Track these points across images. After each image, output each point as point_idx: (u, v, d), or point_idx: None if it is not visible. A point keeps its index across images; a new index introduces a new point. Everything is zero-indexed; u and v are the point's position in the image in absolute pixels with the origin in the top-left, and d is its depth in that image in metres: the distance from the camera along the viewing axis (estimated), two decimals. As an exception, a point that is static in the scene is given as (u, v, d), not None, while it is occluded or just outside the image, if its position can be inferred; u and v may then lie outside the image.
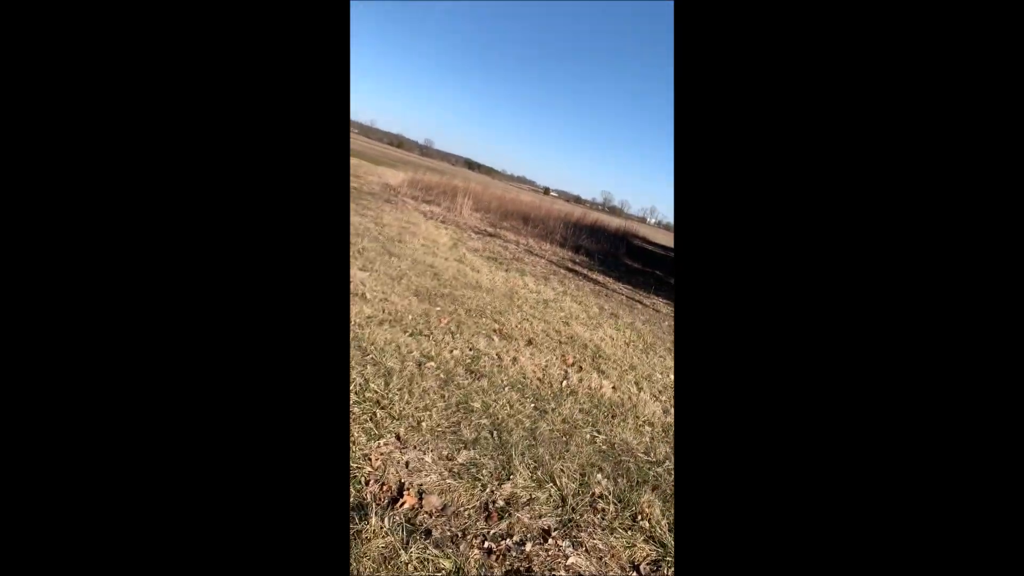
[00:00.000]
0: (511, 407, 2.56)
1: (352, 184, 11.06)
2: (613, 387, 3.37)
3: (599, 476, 2.14)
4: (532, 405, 2.68)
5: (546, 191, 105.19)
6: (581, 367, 3.58)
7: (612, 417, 2.86)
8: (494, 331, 3.82)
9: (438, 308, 3.97)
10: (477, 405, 2.46)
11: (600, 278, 7.88)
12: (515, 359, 3.34)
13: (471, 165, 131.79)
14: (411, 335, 3.21)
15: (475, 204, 12.73)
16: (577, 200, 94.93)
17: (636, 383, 3.57)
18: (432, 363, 2.82)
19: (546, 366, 3.39)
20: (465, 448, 2.07)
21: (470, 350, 3.27)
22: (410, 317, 3.57)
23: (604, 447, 2.44)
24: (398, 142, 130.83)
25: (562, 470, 2.09)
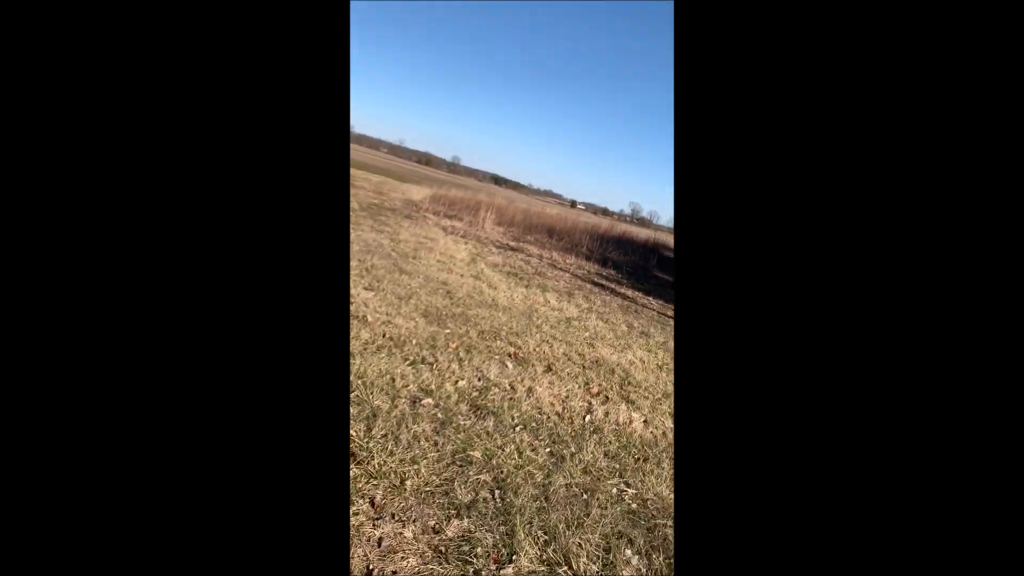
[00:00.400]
0: (520, 455, 2.13)
1: (374, 201, 10.92)
2: (644, 421, 2.91)
3: (628, 552, 1.69)
4: (547, 450, 2.25)
5: (573, 204, 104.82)
6: (607, 397, 3.13)
7: (644, 461, 2.40)
8: (509, 356, 3.42)
9: (447, 331, 3.59)
10: (478, 455, 2.04)
11: (629, 292, 7.38)
12: (531, 390, 2.92)
13: (498, 181, 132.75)
14: (411, 364, 2.83)
15: (498, 218, 12.42)
16: (605, 212, 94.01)
17: (671, 415, 3.09)
18: (430, 399, 2.43)
19: (567, 397, 2.96)
20: (457, 515, 1.66)
21: (479, 380, 2.87)
22: (414, 342, 3.20)
23: (634, 506, 1.98)
24: (426, 160, 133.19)
25: (580, 545, 1.65)
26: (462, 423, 2.27)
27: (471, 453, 2.04)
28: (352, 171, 17.63)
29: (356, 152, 47.72)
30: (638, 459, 2.42)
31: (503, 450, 2.12)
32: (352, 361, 2.65)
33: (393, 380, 2.54)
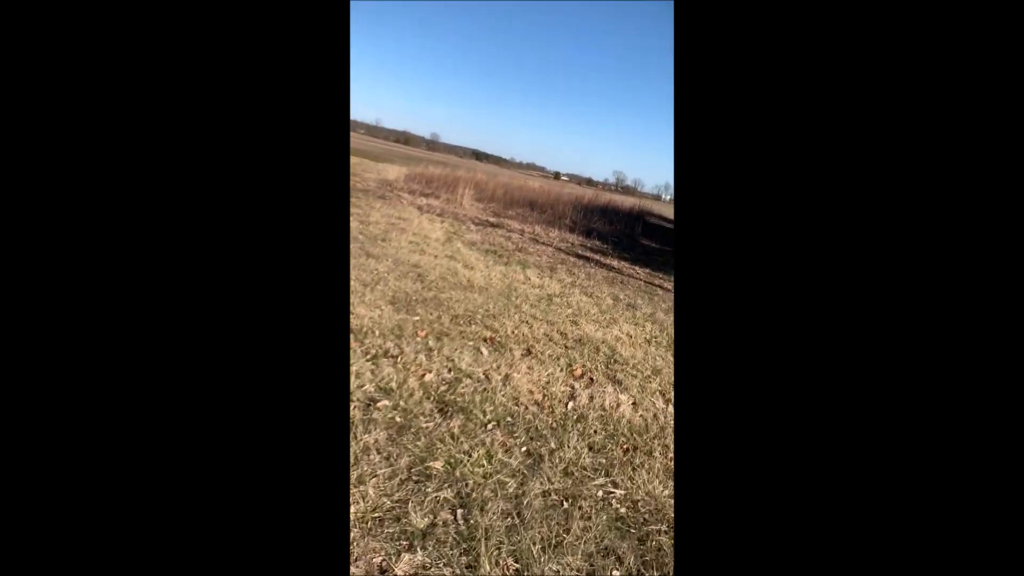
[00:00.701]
0: (490, 460, 1.86)
1: (345, 183, 10.44)
2: (634, 403, 2.66)
3: (616, 574, 1.43)
4: (523, 449, 1.98)
5: (556, 176, 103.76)
6: (592, 379, 2.88)
7: (633, 452, 2.16)
8: (484, 340, 3.13)
9: (416, 317, 3.29)
10: (439, 465, 1.76)
11: (615, 263, 7.10)
12: (507, 378, 2.64)
13: (479, 156, 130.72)
14: (371, 359, 2.53)
15: (477, 194, 11.99)
16: (589, 182, 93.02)
17: (662, 393, 2.85)
18: (387, 401, 2.13)
19: (547, 383, 2.69)
20: (410, 547, 1.38)
21: (448, 371, 2.58)
22: (377, 333, 2.90)
23: (623, 510, 1.73)
24: (404, 139, 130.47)
25: (558, 573, 1.39)
26: (424, 426, 1.99)
27: (431, 464, 1.76)
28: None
29: (331, 135, 46.19)
30: (627, 449, 2.17)
31: (470, 456, 1.85)
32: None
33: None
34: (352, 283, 3.72)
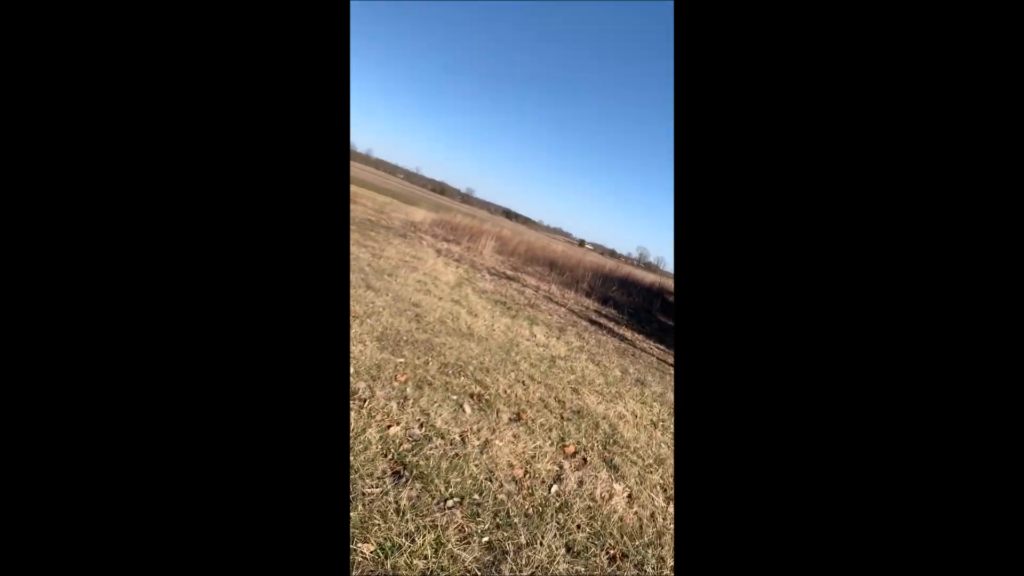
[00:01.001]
0: (437, 551, 1.47)
1: (370, 218, 10.47)
2: (629, 496, 2.25)
3: None
4: (484, 539, 1.59)
5: (581, 243, 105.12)
6: (585, 459, 2.48)
7: (622, 560, 1.74)
8: (471, 396, 2.78)
9: (401, 359, 2.97)
10: (367, 550, 1.37)
11: (628, 334, 6.72)
12: (487, 444, 2.28)
13: (509, 215, 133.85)
14: (334, 399, 2.20)
15: (499, 247, 11.90)
16: (612, 254, 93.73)
17: (664, 488, 2.43)
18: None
19: (533, 457, 2.31)
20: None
21: (420, 427, 2.23)
22: (351, 370, 2.58)
23: (597, 648, 1.31)
24: (440, 189, 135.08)
25: None
26: (367, 491, 1.62)
27: (359, 546, 1.38)
28: (358, 189, 17.37)
29: (372, 176, 48.16)
30: (613, 557, 1.76)
31: (413, 542, 1.47)
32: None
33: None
34: (342, 313, 3.45)
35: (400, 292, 4.61)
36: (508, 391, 3.04)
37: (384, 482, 1.71)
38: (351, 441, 1.89)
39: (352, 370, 2.59)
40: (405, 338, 3.39)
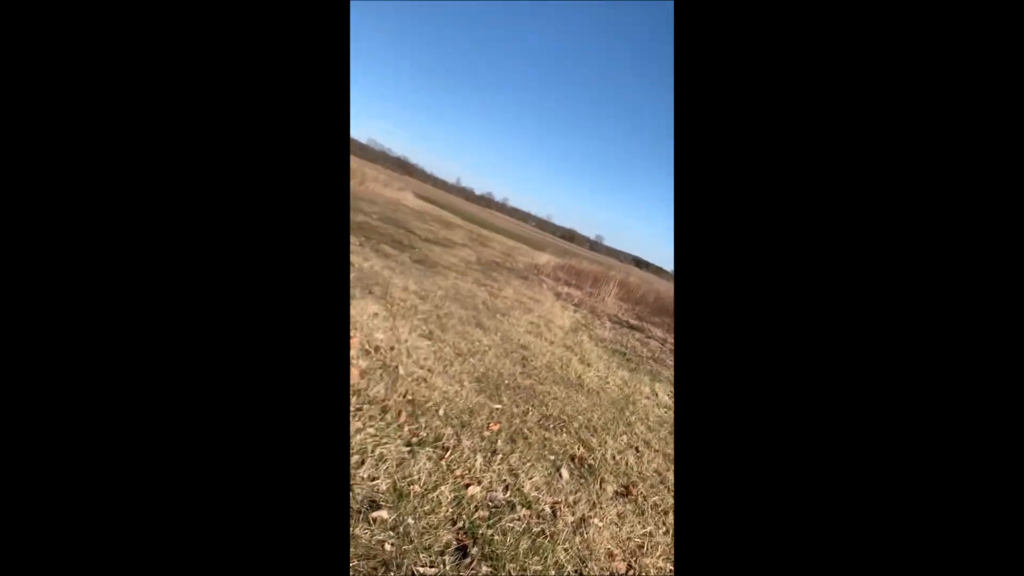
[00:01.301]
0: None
1: (495, 259, 10.67)
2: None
3: None
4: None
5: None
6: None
7: None
8: (571, 458, 2.38)
9: (498, 405, 2.69)
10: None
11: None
12: (583, 521, 1.86)
13: (639, 263, 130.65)
14: (412, 445, 1.97)
15: (624, 294, 11.30)
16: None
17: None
18: (386, 513, 1.51)
19: (641, 547, 1.83)
20: None
21: (504, 490, 1.89)
22: (441, 412, 2.35)
23: None
24: (569, 236, 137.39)
25: None
26: (417, 570, 1.31)
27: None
28: (488, 233, 18.07)
29: (506, 222, 50.54)
30: None
31: (460, 658, 1.11)
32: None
33: (358, 466, 1.69)
34: (446, 350, 3.29)
35: (509, 332, 4.38)
36: (617, 457, 2.57)
37: (443, 561, 1.39)
38: (414, 500, 1.61)
39: (442, 412, 2.36)
40: (507, 382, 3.11)
